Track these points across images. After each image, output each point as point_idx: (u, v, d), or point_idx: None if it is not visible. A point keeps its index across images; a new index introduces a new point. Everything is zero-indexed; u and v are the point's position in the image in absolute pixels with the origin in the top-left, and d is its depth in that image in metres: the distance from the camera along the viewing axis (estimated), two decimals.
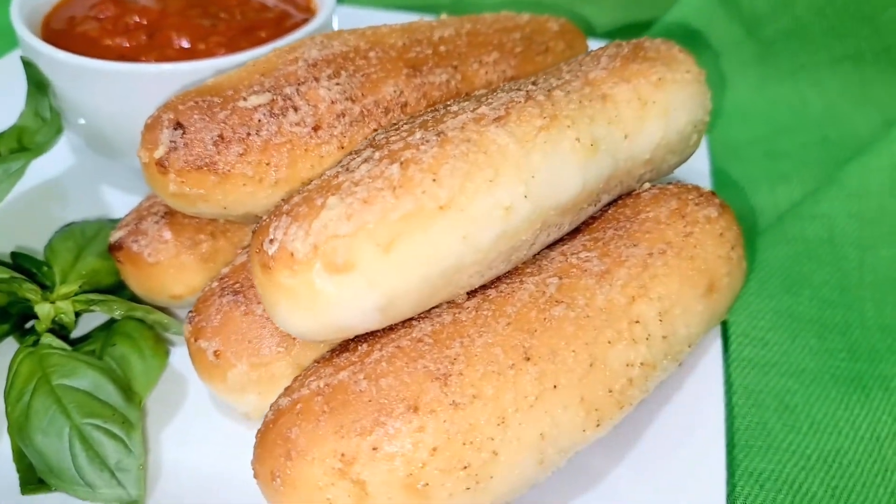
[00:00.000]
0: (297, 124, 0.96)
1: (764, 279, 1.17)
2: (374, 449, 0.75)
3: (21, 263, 1.11)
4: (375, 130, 0.99)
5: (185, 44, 1.25)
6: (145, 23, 1.29)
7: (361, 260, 0.77)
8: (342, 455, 0.75)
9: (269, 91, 0.96)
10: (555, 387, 0.80)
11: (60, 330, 1.04)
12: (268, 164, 0.95)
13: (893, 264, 1.17)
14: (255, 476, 0.80)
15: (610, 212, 0.96)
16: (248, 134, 0.94)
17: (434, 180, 0.80)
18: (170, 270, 1.06)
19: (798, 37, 1.38)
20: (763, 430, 1.01)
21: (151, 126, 0.95)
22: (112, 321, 1.06)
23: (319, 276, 0.77)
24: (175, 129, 0.93)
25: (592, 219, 0.97)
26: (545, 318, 0.83)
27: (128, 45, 1.26)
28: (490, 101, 0.89)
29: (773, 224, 1.25)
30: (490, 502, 0.79)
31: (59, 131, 1.17)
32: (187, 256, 1.06)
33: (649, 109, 0.96)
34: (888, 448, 0.98)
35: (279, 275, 0.78)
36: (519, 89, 0.92)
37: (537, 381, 0.80)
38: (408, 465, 0.75)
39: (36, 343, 0.99)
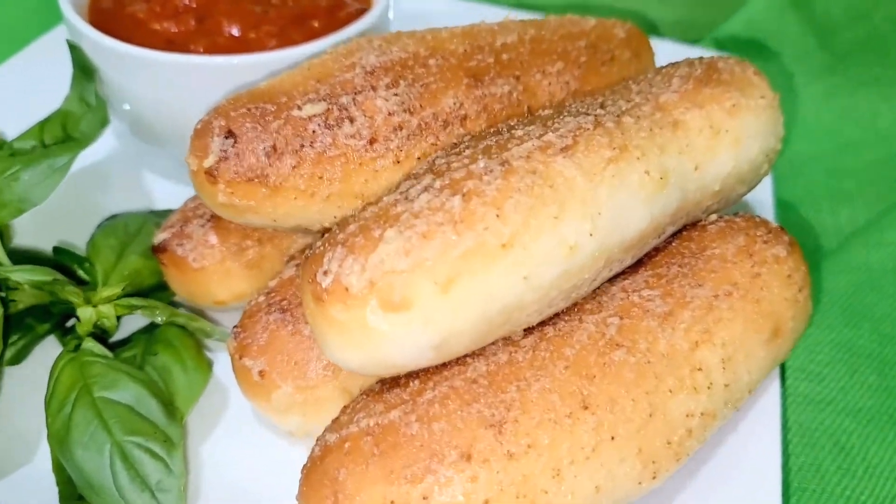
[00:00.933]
0: (353, 137, 0.92)
1: (823, 310, 1.12)
2: (425, 498, 0.73)
3: (62, 260, 1.09)
4: (434, 145, 0.95)
5: (236, 31, 1.21)
6: (195, 6, 1.25)
7: (418, 298, 0.74)
8: (391, 502, 0.73)
9: (324, 100, 0.92)
10: (612, 438, 0.77)
11: (102, 333, 1.02)
12: (321, 178, 0.91)
13: None
14: None
15: (674, 245, 0.92)
16: (302, 146, 0.90)
17: (497, 216, 0.76)
18: (215, 276, 1.03)
19: (874, 48, 1.31)
20: (817, 472, 0.98)
21: (201, 132, 0.91)
22: (153, 325, 1.04)
23: (374, 313, 0.74)
24: (226, 137, 0.90)
25: (655, 251, 0.93)
26: (605, 363, 0.80)
27: (176, 31, 1.22)
28: (557, 126, 0.85)
29: (836, 250, 1.20)
30: None
31: (104, 121, 1.14)
32: (233, 263, 1.03)
33: (722, 138, 0.91)
34: None
35: (332, 309, 0.75)
36: (587, 113, 0.88)
37: (595, 432, 0.77)
38: None
39: (77, 348, 0.98)
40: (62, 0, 1.21)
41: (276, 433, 0.98)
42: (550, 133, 0.83)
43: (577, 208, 0.79)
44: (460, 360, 0.81)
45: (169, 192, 1.28)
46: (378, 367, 0.78)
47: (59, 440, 0.88)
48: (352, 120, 0.92)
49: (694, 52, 1.44)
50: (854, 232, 1.21)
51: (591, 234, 0.80)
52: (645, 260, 0.91)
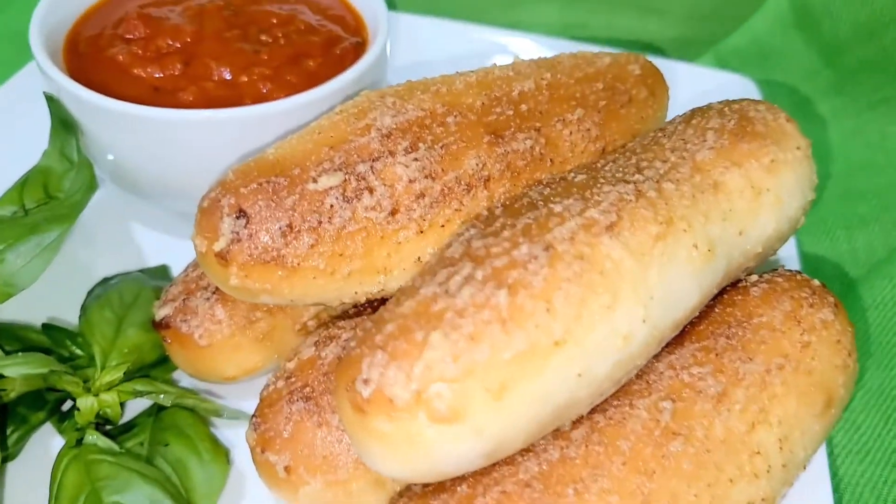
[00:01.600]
0: (373, 209, 0.86)
1: None
2: None
3: (54, 339, 1.01)
4: (458, 210, 0.89)
5: (227, 74, 1.13)
6: (179, 45, 1.16)
7: (470, 408, 0.68)
8: None
9: (340, 170, 0.86)
10: None
11: (104, 422, 0.95)
12: (341, 256, 0.85)
13: None
14: None
15: (717, 311, 0.88)
16: (320, 222, 0.84)
17: (548, 310, 0.71)
18: (223, 352, 0.97)
19: (883, 68, 1.27)
20: None
21: (209, 211, 0.84)
22: (159, 408, 0.97)
23: (422, 426, 0.68)
24: (237, 217, 0.83)
25: (697, 317, 0.88)
26: (663, 456, 0.75)
27: (161, 76, 1.13)
28: (597, 198, 0.79)
29: (858, 282, 1.17)
30: None
31: (92, 185, 1.05)
32: (242, 336, 0.97)
33: (763, 199, 0.87)
34: None
35: (375, 420, 0.69)
36: (626, 180, 0.82)
37: None
38: None
39: (80, 442, 0.90)
40: (36, 46, 1.11)
41: None
42: (592, 209, 0.78)
43: (629, 294, 0.74)
44: (509, 460, 0.76)
45: (159, 245, 1.20)
46: (425, 477, 0.73)
47: None
48: (371, 190, 0.86)
49: (697, 70, 1.40)
50: (876, 263, 1.18)
51: (643, 321, 0.75)
52: (688, 329, 0.87)
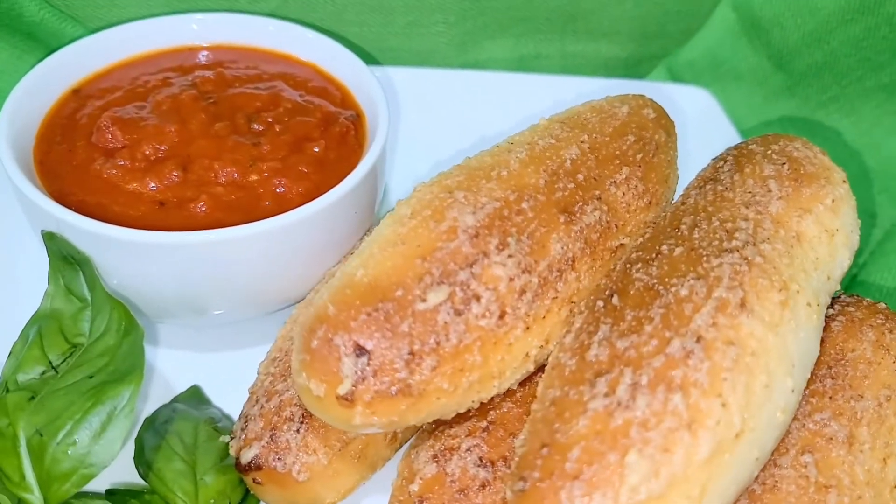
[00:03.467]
0: (483, 316, 0.84)
1: None
2: None
3: (119, 502, 0.92)
4: (554, 299, 0.89)
5: (234, 175, 1.05)
6: (166, 149, 1.07)
7: None
8: None
9: (443, 283, 0.83)
10: None
11: None
12: (461, 371, 0.83)
13: None
14: None
15: None
16: (438, 342, 0.81)
17: (723, 405, 0.72)
18: (323, 481, 0.92)
19: (831, 70, 1.36)
20: None
21: (323, 353, 0.79)
22: None
23: None
24: (358, 355, 0.79)
25: None
26: None
27: (159, 187, 1.04)
28: (713, 273, 0.81)
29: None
30: None
31: (131, 327, 0.94)
32: (340, 462, 0.92)
33: (836, 239, 0.92)
34: None
35: None
36: (725, 248, 0.84)
37: None
38: None
39: None
40: (23, 185, 0.98)
41: None
42: (717, 288, 0.80)
43: (779, 368, 0.77)
44: None
45: (182, 365, 1.11)
46: None
47: None
48: (478, 298, 0.84)
49: (655, 86, 1.44)
50: (856, 270, 1.27)
51: (793, 391, 0.78)
52: None
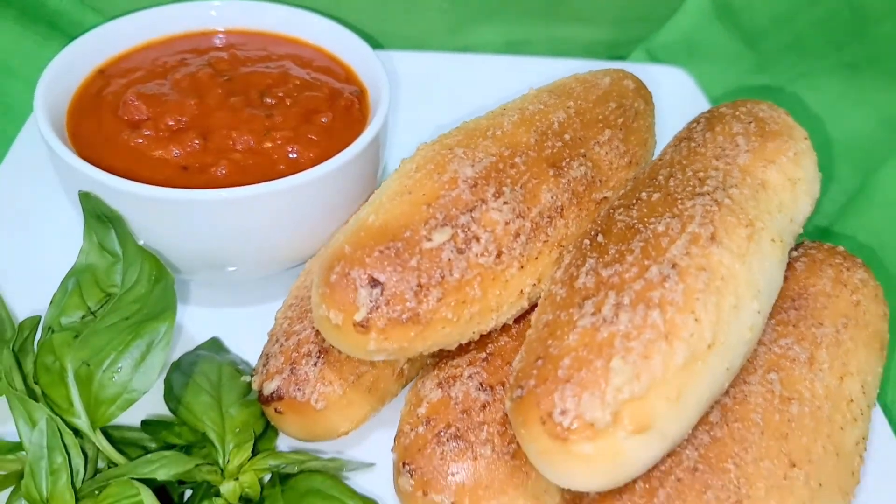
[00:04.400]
0: (482, 254, 0.93)
1: None
2: None
3: (151, 431, 1.01)
4: (545, 242, 0.99)
5: (250, 142, 1.15)
6: (187, 120, 1.17)
7: (656, 416, 0.79)
8: None
9: (446, 225, 0.93)
10: (820, 485, 0.87)
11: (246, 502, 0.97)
12: (463, 303, 0.92)
13: None
14: None
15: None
16: (443, 276, 0.91)
17: (696, 320, 0.82)
18: (338, 411, 1.01)
19: (798, 49, 1.47)
20: None
21: (341, 286, 0.89)
22: (282, 476, 1.00)
23: (619, 441, 0.78)
24: (372, 286, 0.88)
25: None
26: (789, 419, 0.89)
27: (182, 154, 1.13)
28: (686, 212, 0.91)
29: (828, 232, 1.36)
30: None
31: (161, 275, 1.03)
32: (354, 393, 1.01)
33: (798, 187, 1.02)
34: None
35: (579, 446, 0.78)
36: (698, 192, 0.95)
37: (806, 485, 0.87)
38: None
39: None
40: (61, 151, 1.08)
41: None
42: (690, 224, 0.90)
43: (746, 292, 0.87)
44: (671, 453, 0.87)
45: (202, 320, 1.20)
46: (616, 484, 0.82)
47: None
48: (477, 239, 0.94)
49: (635, 67, 1.54)
50: (835, 215, 1.38)
51: (759, 312, 0.88)
52: None
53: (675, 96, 1.51)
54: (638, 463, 0.80)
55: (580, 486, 0.82)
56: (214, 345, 1.17)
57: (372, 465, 1.04)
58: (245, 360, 1.15)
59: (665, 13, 1.57)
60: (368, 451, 1.06)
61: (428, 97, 1.45)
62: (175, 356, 1.13)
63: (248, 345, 1.15)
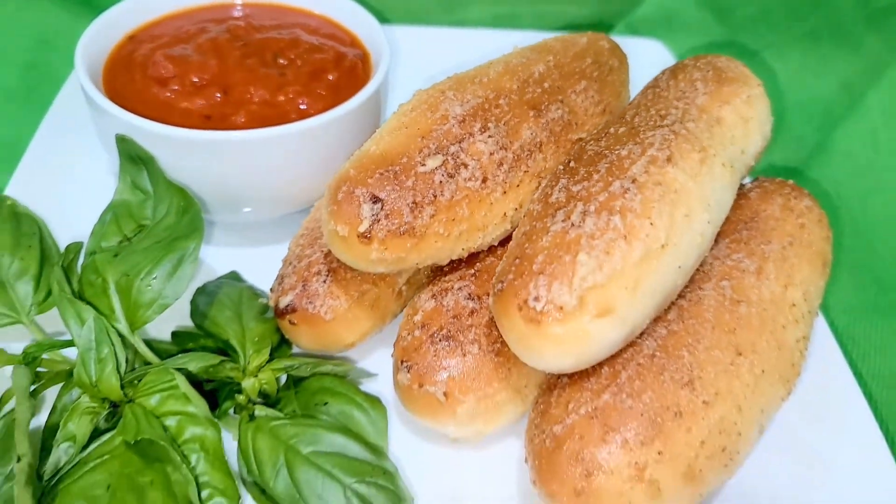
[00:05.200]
0: (470, 179, 1.07)
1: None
2: (660, 453, 0.92)
3: (179, 341, 1.15)
4: (526, 172, 1.12)
5: (266, 96, 1.29)
6: (209, 77, 1.31)
7: (616, 303, 0.92)
8: (635, 464, 0.92)
9: (438, 153, 1.06)
10: (763, 371, 1.00)
11: (262, 400, 1.10)
12: (453, 220, 1.06)
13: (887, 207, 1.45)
14: (552, 495, 0.95)
15: (733, 212, 1.16)
16: (435, 196, 1.04)
17: (651, 224, 0.96)
18: (344, 324, 1.15)
19: (764, 21, 1.62)
20: None
21: (347, 201, 1.02)
22: (295, 380, 1.14)
23: (585, 323, 0.91)
24: (373, 202, 1.02)
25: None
26: (738, 318, 1.02)
27: (205, 105, 1.28)
28: (647, 140, 1.05)
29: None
30: (734, 472, 0.99)
31: (189, 206, 1.17)
32: (358, 308, 1.15)
33: (751, 125, 1.15)
34: None
35: (549, 327, 0.91)
36: (660, 125, 1.08)
37: (750, 371, 1.00)
38: (686, 460, 0.93)
39: (252, 417, 1.06)
40: (100, 100, 1.22)
41: (441, 443, 1.12)
42: (649, 149, 1.03)
43: (697, 205, 1.00)
44: (632, 343, 1.00)
45: (220, 257, 1.34)
46: (583, 364, 0.95)
47: (293, 500, 0.98)
48: (465, 166, 1.07)
49: (617, 39, 1.68)
50: (802, 162, 1.52)
51: (709, 222, 1.02)
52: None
53: (654, 66, 1.64)
54: (602, 344, 0.93)
55: (553, 368, 0.95)
56: (233, 276, 1.31)
57: (375, 374, 1.17)
58: (260, 290, 1.29)
59: None
60: (371, 366, 1.20)
61: (423, 67, 1.59)
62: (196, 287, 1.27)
63: (262, 280, 1.29)
